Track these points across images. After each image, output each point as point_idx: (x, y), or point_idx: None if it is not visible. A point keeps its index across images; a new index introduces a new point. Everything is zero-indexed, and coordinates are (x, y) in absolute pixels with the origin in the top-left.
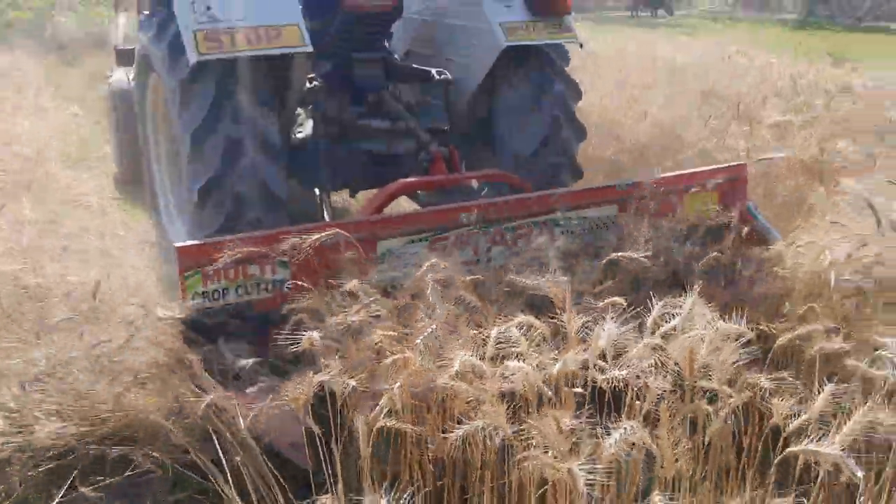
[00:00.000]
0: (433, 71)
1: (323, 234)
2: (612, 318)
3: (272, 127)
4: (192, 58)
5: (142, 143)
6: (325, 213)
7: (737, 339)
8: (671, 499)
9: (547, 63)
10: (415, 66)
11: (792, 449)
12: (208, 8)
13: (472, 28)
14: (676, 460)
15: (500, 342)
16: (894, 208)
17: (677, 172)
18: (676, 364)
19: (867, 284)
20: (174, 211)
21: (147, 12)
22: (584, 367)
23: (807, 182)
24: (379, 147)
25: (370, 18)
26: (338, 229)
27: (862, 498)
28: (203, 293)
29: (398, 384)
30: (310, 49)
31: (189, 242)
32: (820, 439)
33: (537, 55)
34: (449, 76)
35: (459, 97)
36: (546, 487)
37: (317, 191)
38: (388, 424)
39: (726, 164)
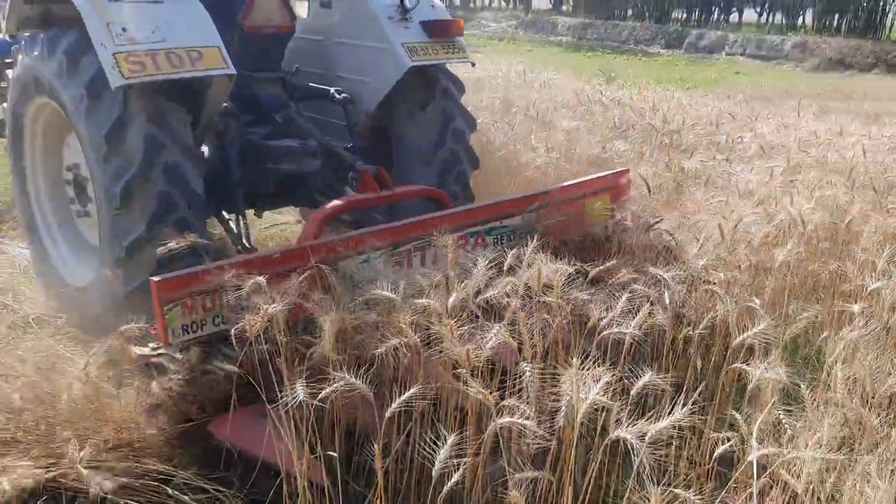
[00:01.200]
0: (331, 90)
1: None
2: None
3: (189, 133)
4: (116, 81)
5: (14, 172)
6: (244, 235)
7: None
8: (531, 368)
9: (440, 74)
10: (312, 84)
11: (604, 333)
12: (124, 29)
13: (371, 48)
14: (533, 347)
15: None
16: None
17: (578, 180)
18: (528, 286)
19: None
20: (58, 237)
21: (23, 33)
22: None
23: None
24: (290, 167)
25: (268, 39)
26: (311, 253)
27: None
28: (183, 327)
29: None
30: (233, 71)
31: (166, 275)
32: (620, 326)
33: (427, 70)
34: (348, 95)
35: (358, 114)
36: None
37: (225, 213)
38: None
39: (613, 171)
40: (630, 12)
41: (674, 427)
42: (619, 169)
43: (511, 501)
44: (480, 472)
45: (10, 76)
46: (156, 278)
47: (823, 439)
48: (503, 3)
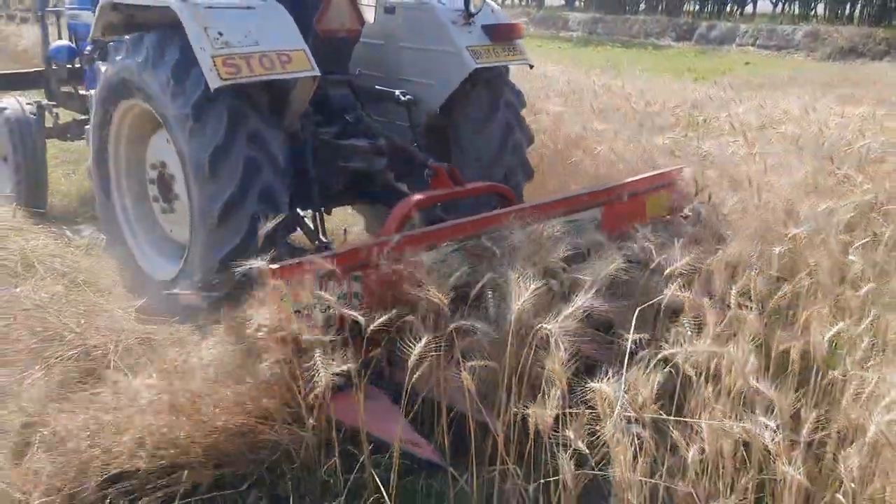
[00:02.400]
0: (396, 92)
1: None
2: None
3: (281, 150)
4: (214, 83)
5: (95, 176)
6: (320, 231)
7: None
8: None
9: (499, 79)
10: (378, 86)
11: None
12: (220, 34)
13: (436, 51)
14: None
15: None
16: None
17: (640, 176)
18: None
19: None
20: (144, 240)
21: (112, 37)
22: None
23: (568, 149)
24: (359, 165)
25: (339, 42)
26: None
27: None
28: (296, 311)
29: None
30: (318, 73)
31: (280, 264)
32: None
33: (490, 73)
34: (411, 96)
35: (421, 115)
36: None
37: (299, 211)
38: None
39: (673, 168)
40: (642, 6)
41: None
42: (679, 166)
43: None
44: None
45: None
46: (272, 266)
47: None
48: (515, 0)
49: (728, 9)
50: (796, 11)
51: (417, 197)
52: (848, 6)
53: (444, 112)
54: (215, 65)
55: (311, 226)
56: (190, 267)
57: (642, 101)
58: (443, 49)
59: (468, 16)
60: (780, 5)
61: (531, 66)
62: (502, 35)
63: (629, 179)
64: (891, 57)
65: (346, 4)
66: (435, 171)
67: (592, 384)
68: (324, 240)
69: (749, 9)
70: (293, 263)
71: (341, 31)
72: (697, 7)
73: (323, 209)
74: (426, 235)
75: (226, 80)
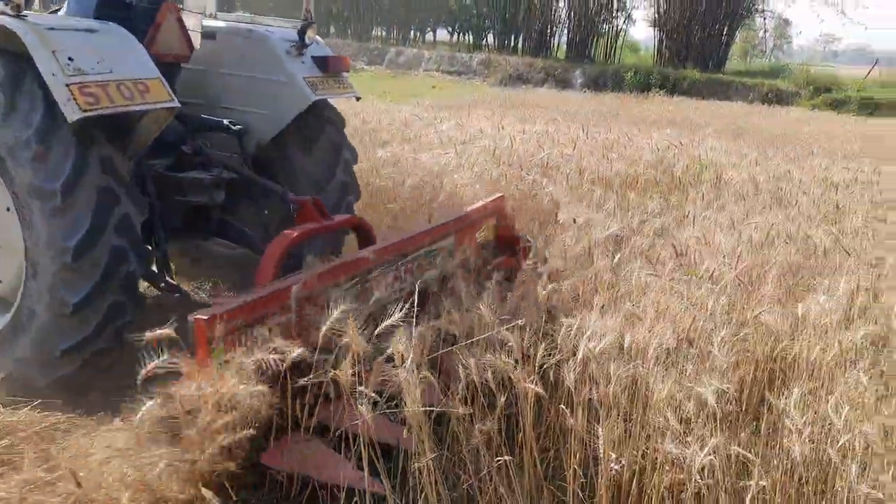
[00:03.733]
0: (225, 121)
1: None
2: None
3: (131, 180)
4: (73, 114)
5: None
6: (167, 274)
7: None
8: None
9: (324, 104)
10: (204, 116)
11: None
12: (71, 59)
13: (268, 80)
14: None
15: None
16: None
17: (475, 206)
18: None
19: None
20: None
21: None
22: None
23: None
24: (201, 199)
25: (169, 68)
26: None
27: None
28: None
29: None
30: (177, 104)
31: (207, 312)
32: None
33: (322, 102)
34: (241, 126)
35: (252, 144)
36: None
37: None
38: None
39: (496, 196)
40: (332, 30)
41: None
42: (499, 194)
43: None
44: None
45: None
46: (197, 316)
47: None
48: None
49: (412, 35)
50: (470, 41)
51: (290, 235)
52: (513, 38)
53: (273, 139)
54: (72, 94)
55: (154, 267)
56: (22, 323)
57: (358, 120)
58: (276, 79)
59: (301, 47)
60: (455, 35)
61: (358, 99)
62: (333, 67)
63: (470, 209)
64: (549, 84)
65: (176, 29)
66: (300, 205)
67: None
68: (172, 282)
69: (430, 36)
70: (220, 313)
71: (170, 57)
72: (384, 33)
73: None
74: (328, 273)
75: (86, 111)
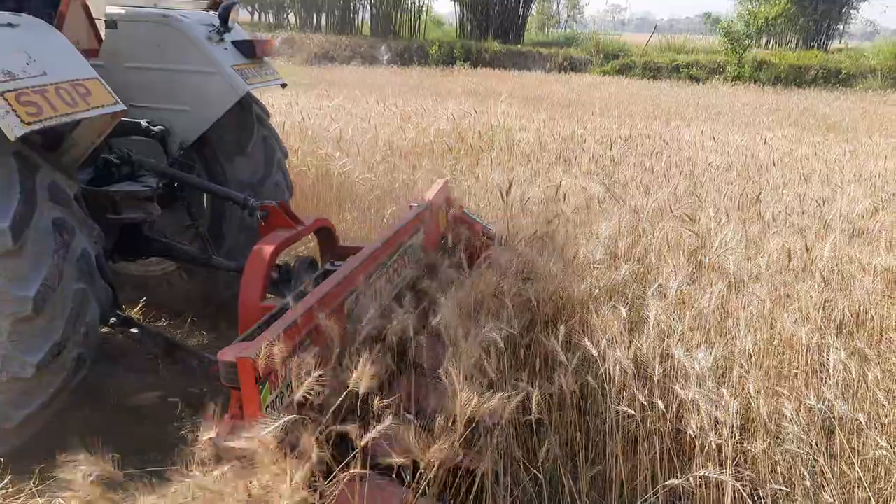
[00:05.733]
0: (143, 122)
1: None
2: None
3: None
4: (16, 130)
5: None
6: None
7: None
8: None
9: (249, 96)
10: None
11: None
12: None
13: (189, 72)
14: None
15: None
16: None
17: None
18: None
19: None
20: None
21: None
22: None
23: None
24: (135, 216)
25: None
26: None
27: None
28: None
29: None
30: (123, 106)
31: (242, 348)
32: None
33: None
34: (163, 126)
35: (175, 146)
36: None
37: None
38: None
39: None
40: None
41: None
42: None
43: None
44: None
45: None
46: (231, 357)
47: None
48: None
49: None
50: (272, 20)
51: (269, 247)
52: (316, 16)
53: (200, 141)
54: (10, 105)
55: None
56: None
57: None
58: (199, 70)
59: (223, 31)
60: (256, 14)
61: (284, 86)
62: (260, 53)
63: (430, 197)
64: (356, 61)
65: (83, 19)
66: (268, 211)
67: None
68: (123, 314)
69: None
70: (265, 347)
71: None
72: None
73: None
74: (344, 284)
75: (30, 124)
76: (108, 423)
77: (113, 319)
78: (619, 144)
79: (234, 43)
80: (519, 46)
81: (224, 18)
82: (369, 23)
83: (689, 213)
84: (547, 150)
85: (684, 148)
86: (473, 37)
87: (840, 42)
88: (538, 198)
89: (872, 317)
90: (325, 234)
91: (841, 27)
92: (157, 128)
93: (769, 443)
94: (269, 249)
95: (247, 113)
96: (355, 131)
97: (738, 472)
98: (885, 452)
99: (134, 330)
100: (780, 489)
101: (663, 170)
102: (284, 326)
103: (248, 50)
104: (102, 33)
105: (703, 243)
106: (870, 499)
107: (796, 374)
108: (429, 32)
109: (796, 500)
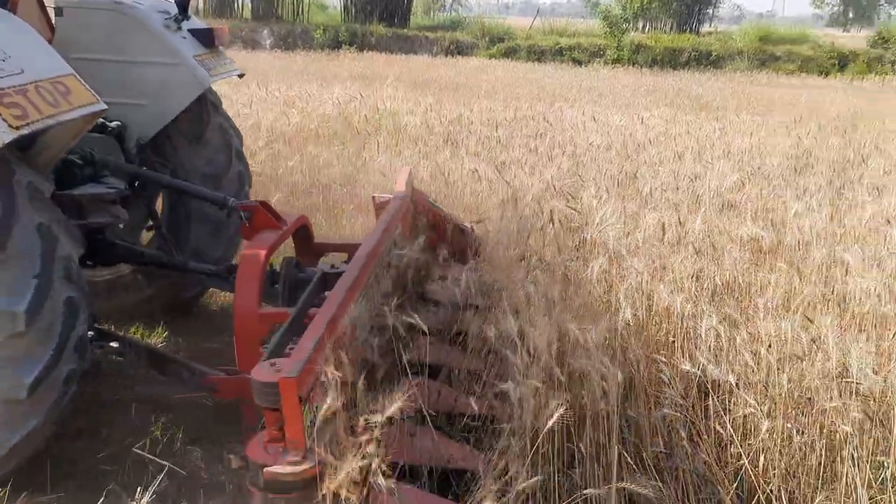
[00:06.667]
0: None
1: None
2: None
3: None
4: (5, 136)
5: None
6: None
7: None
8: None
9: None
10: None
11: None
12: None
13: (146, 63)
14: None
15: None
16: None
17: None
18: None
19: None
20: None
21: None
22: None
23: None
24: (103, 220)
25: None
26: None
27: None
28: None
29: None
30: (103, 105)
31: (286, 367)
32: None
33: None
34: (118, 123)
35: (132, 143)
36: None
37: None
38: None
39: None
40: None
41: None
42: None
43: None
44: None
45: None
46: (274, 377)
47: None
48: None
49: None
50: None
51: (262, 250)
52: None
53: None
54: None
55: None
56: None
57: None
58: (159, 61)
59: (181, 19)
60: None
61: (241, 76)
62: (218, 41)
63: (402, 187)
64: (237, 46)
65: (35, 9)
66: (251, 212)
67: None
68: (101, 328)
69: None
70: (294, 363)
71: None
72: None
73: None
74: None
75: (19, 128)
76: None
77: (91, 333)
78: (505, 126)
79: (192, 31)
80: (405, 30)
81: (183, 6)
82: (250, 6)
83: (572, 191)
84: (434, 132)
85: (567, 129)
86: (358, 20)
87: (710, 26)
88: (427, 179)
89: (741, 284)
90: (303, 231)
91: (711, 11)
92: (114, 123)
93: (650, 408)
94: (261, 254)
95: (201, 102)
96: (236, 117)
97: (624, 438)
98: (753, 410)
99: (114, 343)
100: (661, 451)
101: (547, 150)
102: (315, 340)
103: (207, 39)
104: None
105: (585, 220)
106: (741, 454)
107: (673, 341)
108: (313, 16)
109: (676, 461)
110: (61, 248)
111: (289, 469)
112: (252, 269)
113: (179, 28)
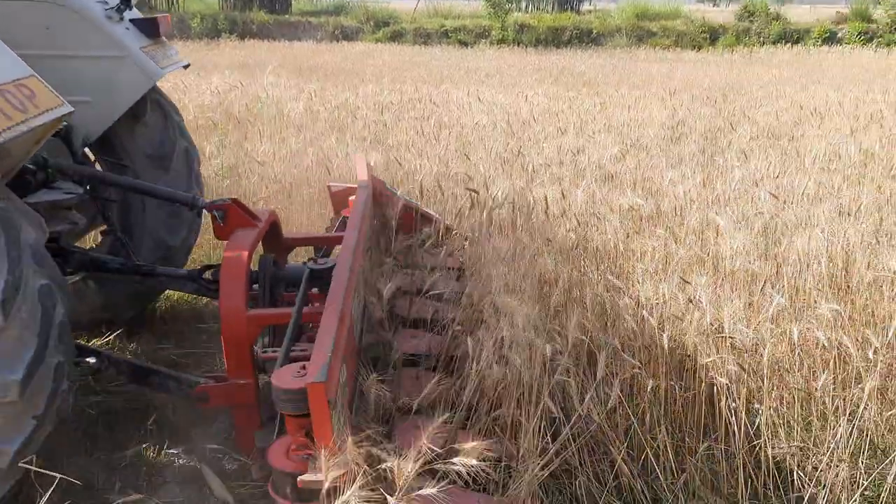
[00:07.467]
0: None
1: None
2: None
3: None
4: None
5: None
6: None
7: None
8: None
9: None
10: None
11: None
12: None
13: (93, 58)
14: None
15: None
16: None
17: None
18: None
19: None
20: None
21: None
22: None
23: None
24: (63, 228)
25: None
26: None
27: None
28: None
29: None
30: (70, 108)
31: (312, 371)
32: None
33: None
34: (66, 122)
35: (78, 143)
36: None
37: None
38: None
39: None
40: None
41: None
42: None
43: None
44: None
45: None
46: (301, 384)
47: None
48: None
49: None
50: None
51: (245, 250)
52: None
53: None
54: None
55: None
56: None
57: None
58: (102, 55)
59: (123, 9)
60: None
61: (186, 67)
62: (159, 31)
63: (363, 176)
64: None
65: None
66: (225, 210)
67: None
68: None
69: None
70: (317, 367)
71: None
72: None
73: None
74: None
75: None
76: None
77: None
78: (392, 110)
79: (134, 21)
80: (287, 16)
81: None
82: None
83: (466, 172)
84: (319, 119)
85: (454, 110)
86: (237, 8)
87: (590, 4)
88: (314, 167)
89: (622, 251)
90: (273, 227)
91: None
92: (63, 124)
93: (546, 377)
94: (244, 254)
95: (148, 99)
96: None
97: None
98: (637, 371)
99: (90, 359)
100: (558, 417)
101: (433, 132)
102: (331, 342)
103: (151, 29)
104: None
105: (478, 199)
106: (630, 415)
107: (560, 311)
108: (188, 4)
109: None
110: (25, 235)
111: (321, 476)
112: (236, 271)
113: (122, 19)
